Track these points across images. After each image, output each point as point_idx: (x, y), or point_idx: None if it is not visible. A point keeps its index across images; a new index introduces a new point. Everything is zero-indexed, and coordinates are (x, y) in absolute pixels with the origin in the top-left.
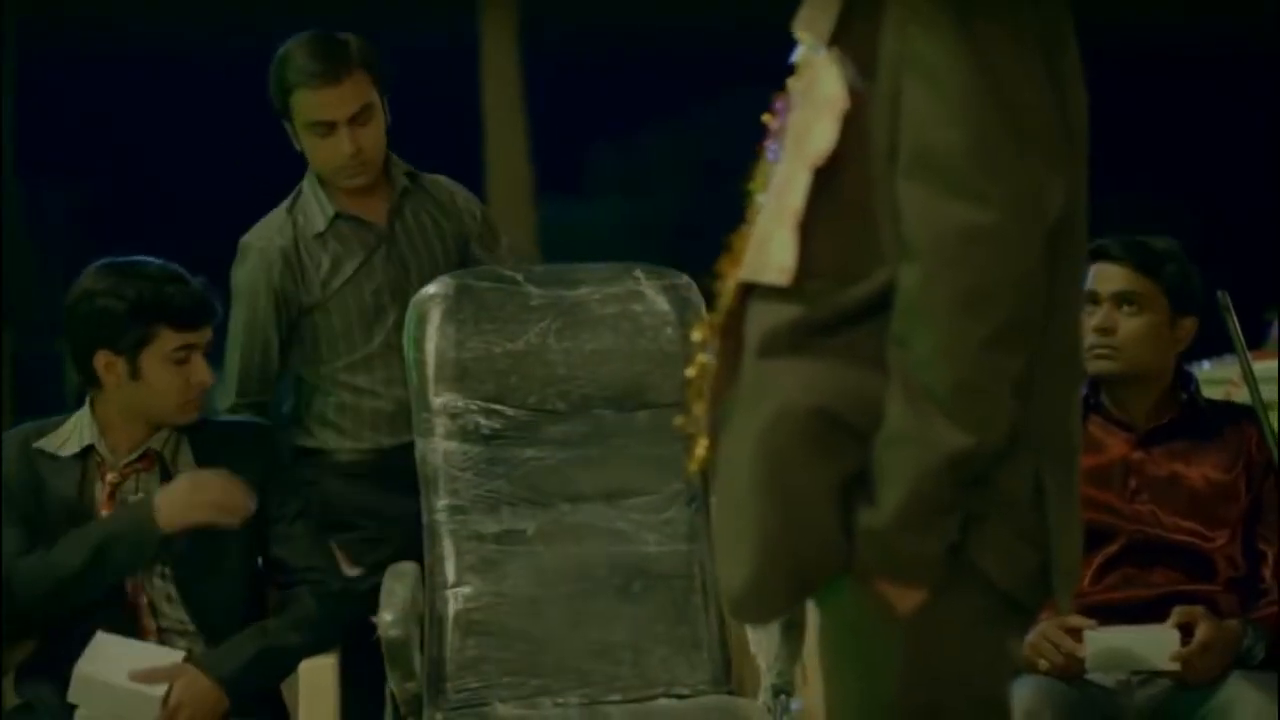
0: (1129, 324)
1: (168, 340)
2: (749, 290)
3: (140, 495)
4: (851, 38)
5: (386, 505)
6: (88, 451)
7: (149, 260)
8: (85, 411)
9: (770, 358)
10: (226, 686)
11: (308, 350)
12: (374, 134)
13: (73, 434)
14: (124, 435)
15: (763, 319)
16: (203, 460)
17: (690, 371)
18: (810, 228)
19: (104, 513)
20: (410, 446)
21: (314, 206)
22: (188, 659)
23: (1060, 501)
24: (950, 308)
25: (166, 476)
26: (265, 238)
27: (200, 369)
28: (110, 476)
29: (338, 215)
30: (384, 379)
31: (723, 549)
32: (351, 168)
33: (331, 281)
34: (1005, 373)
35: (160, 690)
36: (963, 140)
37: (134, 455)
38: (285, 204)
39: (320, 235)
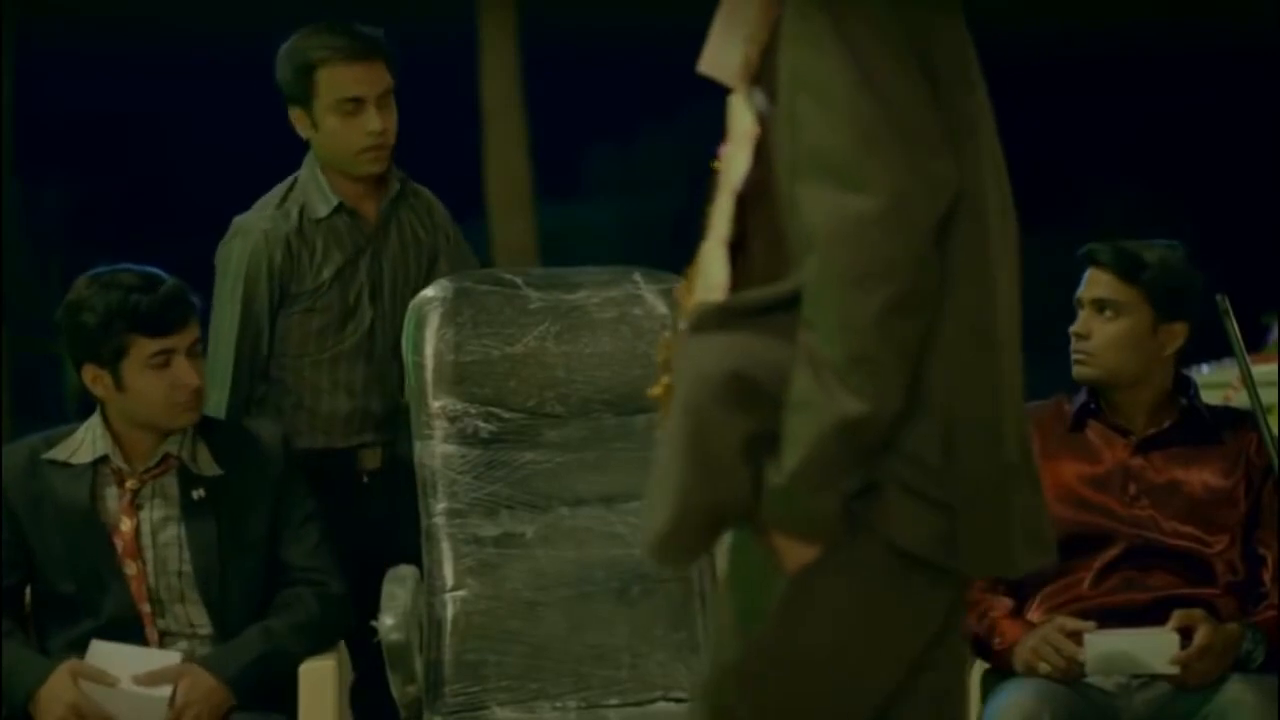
0: (1105, 330)
1: (143, 348)
2: None
3: (162, 502)
4: (767, 69)
5: (330, 507)
6: (101, 461)
7: (127, 268)
8: (97, 420)
9: (698, 334)
10: (232, 687)
11: (278, 344)
12: (394, 120)
13: (85, 442)
14: (136, 442)
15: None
16: (221, 461)
17: (655, 391)
18: (739, 247)
19: (125, 521)
20: (360, 448)
21: (316, 194)
22: (186, 659)
23: (979, 466)
24: (844, 285)
25: (187, 478)
26: (270, 220)
27: (184, 371)
28: (130, 484)
29: (340, 206)
30: (346, 381)
31: (648, 501)
32: (375, 150)
33: (322, 272)
34: (898, 344)
35: (166, 692)
36: (849, 139)
37: (153, 461)
38: (279, 192)
39: (319, 222)
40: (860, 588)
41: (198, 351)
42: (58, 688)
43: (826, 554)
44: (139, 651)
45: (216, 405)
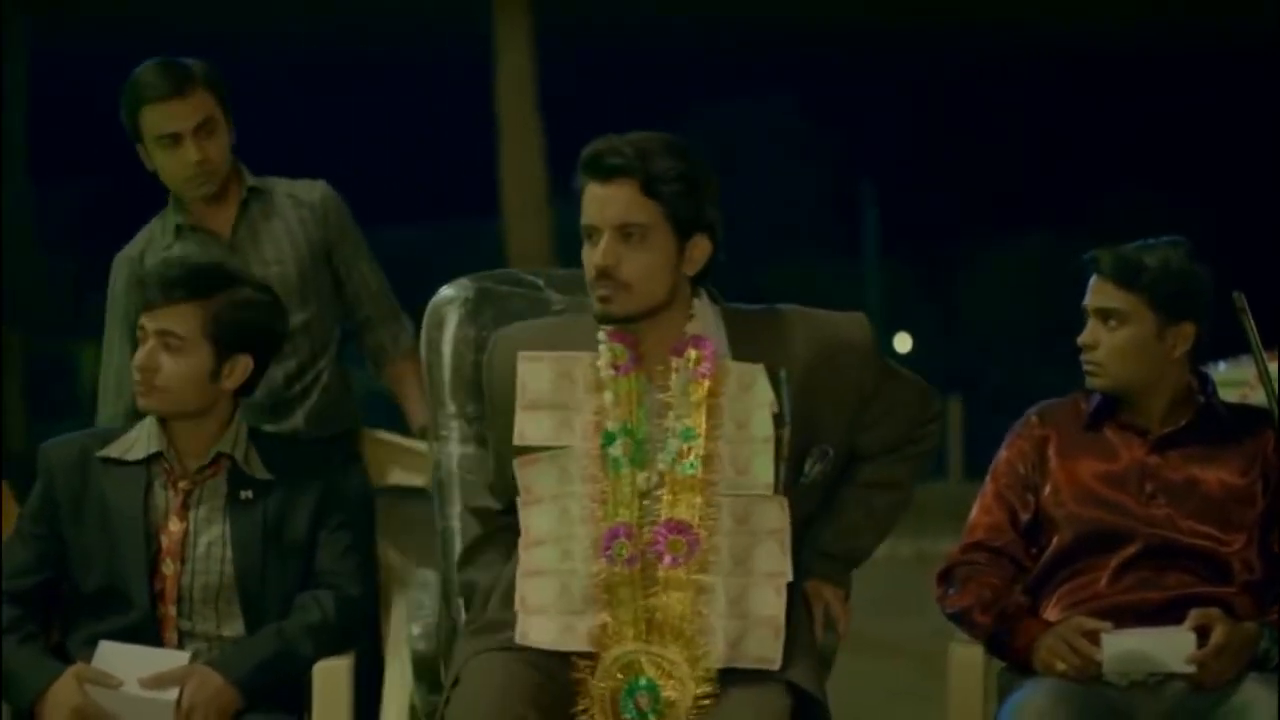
0: (1110, 339)
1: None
2: None
3: (210, 502)
4: None
5: None
6: (154, 459)
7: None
8: (150, 419)
9: None
10: (241, 687)
11: None
12: (218, 144)
13: (139, 439)
14: (190, 439)
15: None
16: (270, 467)
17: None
18: None
19: (175, 521)
20: None
21: (166, 220)
22: (193, 660)
23: None
24: None
25: (237, 478)
26: (123, 250)
27: (139, 353)
28: (182, 484)
29: (180, 226)
30: None
31: None
32: (199, 177)
33: None
34: None
35: (172, 695)
36: None
37: (205, 460)
38: (147, 225)
39: (169, 247)
40: None
41: (168, 343)
42: (63, 692)
43: None
44: (147, 652)
45: (111, 417)
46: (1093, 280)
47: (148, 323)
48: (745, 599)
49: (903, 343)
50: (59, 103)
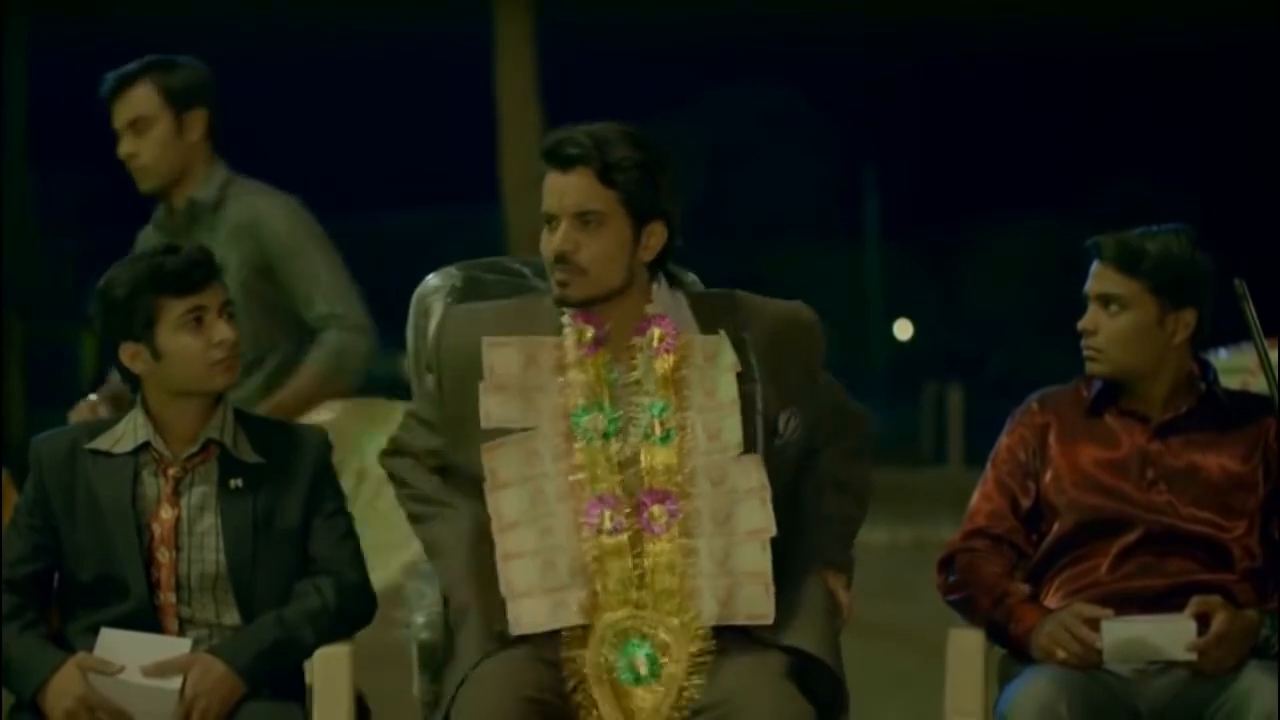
0: (1111, 325)
1: (173, 309)
2: None
3: (201, 489)
4: None
5: None
6: (142, 449)
7: (150, 247)
8: (138, 410)
9: None
10: (243, 675)
11: None
12: (149, 143)
13: (127, 432)
14: (178, 426)
15: None
16: (260, 452)
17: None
18: None
19: (166, 509)
20: None
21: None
22: (195, 647)
23: None
24: None
25: (228, 464)
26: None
27: (217, 328)
28: (173, 471)
29: (157, 216)
30: None
31: None
32: (133, 171)
33: None
34: None
35: (176, 683)
36: None
37: (195, 448)
38: None
39: (158, 221)
40: None
41: (230, 313)
42: (66, 681)
43: None
44: (149, 639)
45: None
46: (1094, 265)
47: (200, 301)
48: (731, 557)
49: (904, 329)
50: (59, 101)
